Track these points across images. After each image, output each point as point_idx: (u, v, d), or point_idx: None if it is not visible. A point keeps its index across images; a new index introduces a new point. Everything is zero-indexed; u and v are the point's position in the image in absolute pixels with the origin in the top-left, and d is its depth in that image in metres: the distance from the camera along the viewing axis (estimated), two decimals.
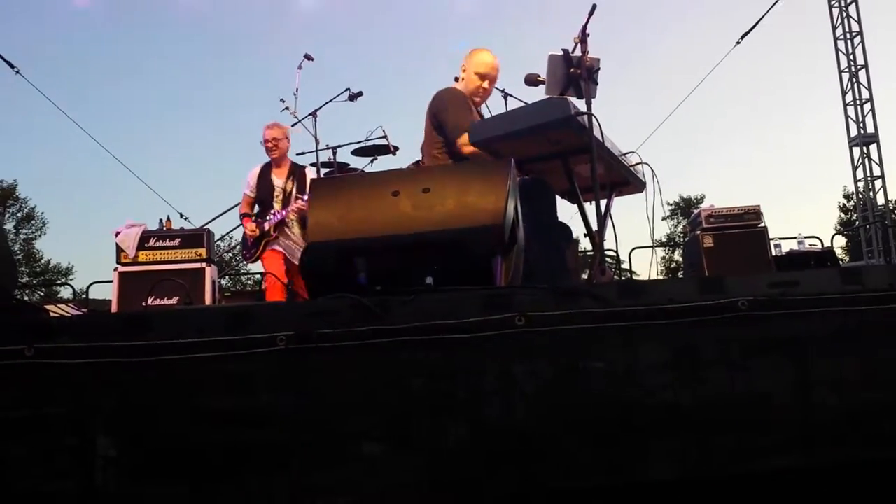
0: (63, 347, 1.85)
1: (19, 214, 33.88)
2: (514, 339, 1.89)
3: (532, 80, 3.53)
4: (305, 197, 5.45)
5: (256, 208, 6.05)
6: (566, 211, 3.86)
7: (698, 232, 6.77)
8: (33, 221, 34.64)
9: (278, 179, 5.94)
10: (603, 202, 3.57)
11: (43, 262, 33.83)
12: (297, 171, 6.00)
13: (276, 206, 5.84)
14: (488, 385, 1.90)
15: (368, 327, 1.89)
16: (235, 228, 8.96)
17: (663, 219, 37.62)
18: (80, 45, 53.89)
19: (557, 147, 3.33)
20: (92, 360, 1.83)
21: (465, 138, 3.66)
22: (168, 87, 56.01)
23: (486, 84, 4.10)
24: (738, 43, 11.28)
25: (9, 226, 32.86)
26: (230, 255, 21.88)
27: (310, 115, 6.91)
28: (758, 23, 10.90)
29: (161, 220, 6.31)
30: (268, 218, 5.82)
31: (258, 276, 8.80)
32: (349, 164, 7.02)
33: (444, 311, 1.93)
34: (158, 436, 1.83)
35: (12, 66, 8.19)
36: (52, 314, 2.17)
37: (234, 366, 1.84)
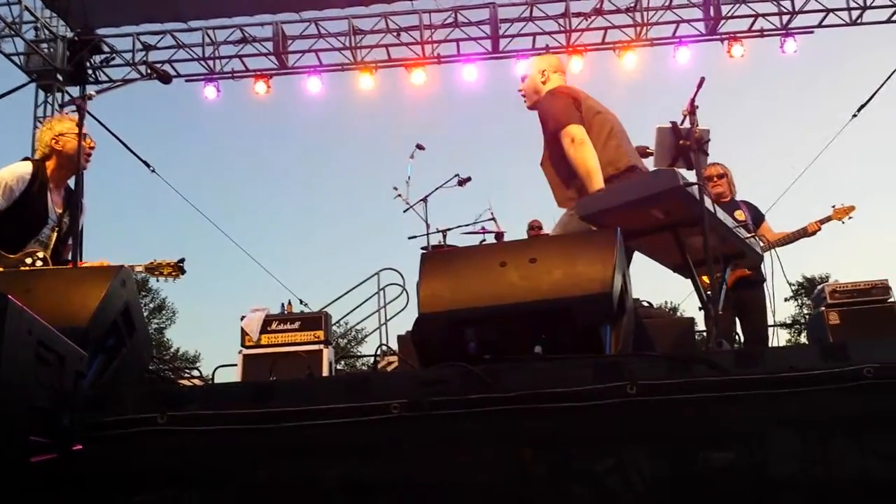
0: (193, 415, 1.96)
1: (151, 305, 35.85)
2: (626, 408, 1.86)
3: (640, 153, 3.54)
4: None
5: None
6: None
7: (823, 308, 6.47)
8: (164, 311, 36.64)
9: (55, 206, 3.66)
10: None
11: (172, 350, 35.47)
12: (69, 201, 3.65)
13: (43, 252, 3.52)
14: (600, 455, 1.87)
15: (479, 395, 1.91)
16: (350, 313, 9.25)
17: (786, 300, 35.68)
18: (206, 141, 58.09)
19: (667, 219, 3.30)
20: (220, 427, 1.93)
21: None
22: (287, 180, 59.21)
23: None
24: (854, 116, 10.88)
25: None
26: (345, 341, 22.36)
27: (421, 200, 7.19)
28: (873, 95, 10.49)
29: (283, 304, 6.60)
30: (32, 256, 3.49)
31: (372, 360, 8.96)
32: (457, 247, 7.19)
33: (554, 380, 1.93)
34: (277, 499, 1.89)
35: (148, 165, 8.82)
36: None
37: (350, 432, 1.90)
